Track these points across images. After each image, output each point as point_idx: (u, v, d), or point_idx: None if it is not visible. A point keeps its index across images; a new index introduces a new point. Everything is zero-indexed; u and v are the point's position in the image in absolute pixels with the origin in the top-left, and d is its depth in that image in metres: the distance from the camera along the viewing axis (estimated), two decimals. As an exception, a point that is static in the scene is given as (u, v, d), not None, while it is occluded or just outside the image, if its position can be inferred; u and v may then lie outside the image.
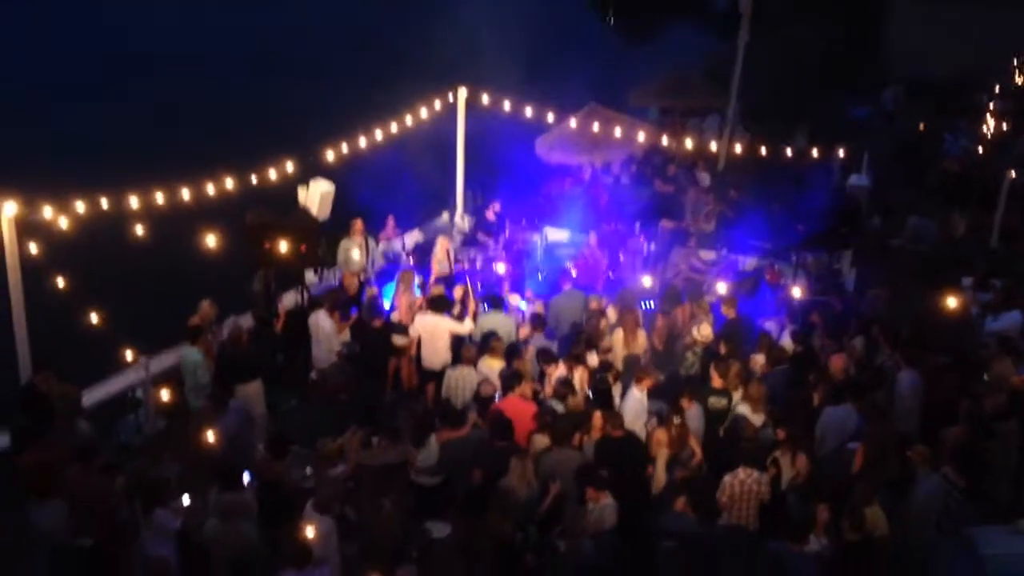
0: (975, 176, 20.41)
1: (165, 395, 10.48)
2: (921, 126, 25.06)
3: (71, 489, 9.01)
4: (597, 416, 10.23)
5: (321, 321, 12.35)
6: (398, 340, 12.46)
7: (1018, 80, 30.15)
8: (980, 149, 23.19)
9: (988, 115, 25.25)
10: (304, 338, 12.51)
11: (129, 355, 10.94)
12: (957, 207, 19.00)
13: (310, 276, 14.09)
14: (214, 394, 10.76)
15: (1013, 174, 17.65)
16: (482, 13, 31.53)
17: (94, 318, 10.19)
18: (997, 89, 27.78)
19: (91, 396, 11.22)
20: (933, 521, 9.20)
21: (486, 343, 11.80)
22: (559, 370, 11.32)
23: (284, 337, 12.85)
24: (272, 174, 12.96)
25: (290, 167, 13.15)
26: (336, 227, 14.32)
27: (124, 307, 11.09)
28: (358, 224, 14.59)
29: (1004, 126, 24.50)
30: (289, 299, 13.53)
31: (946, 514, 9.22)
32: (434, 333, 12.26)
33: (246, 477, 9.16)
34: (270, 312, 12.96)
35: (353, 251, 14.40)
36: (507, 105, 16.54)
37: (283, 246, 12.10)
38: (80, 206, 10.72)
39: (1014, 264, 16.44)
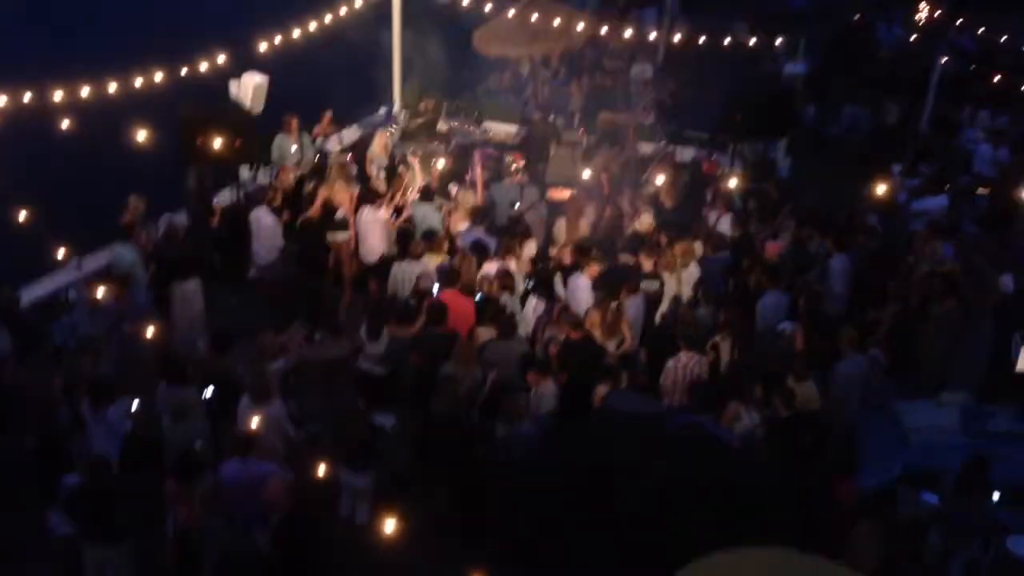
0: (907, 64, 20.60)
1: (100, 292, 10.30)
2: (857, 16, 25.06)
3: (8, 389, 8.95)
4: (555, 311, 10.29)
5: (262, 217, 12.19)
6: (337, 236, 12.44)
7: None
8: (913, 37, 23.33)
9: (922, 3, 25.33)
10: (241, 235, 12.36)
11: (60, 255, 10.68)
12: (890, 96, 19.21)
13: (244, 172, 13.83)
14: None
15: (944, 61, 17.83)
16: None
17: (21, 217, 9.87)
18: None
19: (22, 297, 10.98)
20: (854, 398, 9.59)
21: (427, 239, 11.81)
22: (496, 263, 11.37)
23: (221, 234, 12.68)
24: (203, 66, 12.55)
25: (221, 59, 12.73)
26: (270, 122, 14.01)
27: (53, 205, 10.75)
28: (293, 121, 14.29)
29: (936, 14, 24.62)
30: (224, 196, 13.29)
31: (869, 390, 9.62)
32: (368, 226, 12.23)
33: None
34: (205, 209, 12.74)
35: (288, 147, 14.14)
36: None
37: (217, 141, 11.83)
38: (1, 99, 10.31)
39: (943, 150, 16.80)
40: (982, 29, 22.47)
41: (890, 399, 9.50)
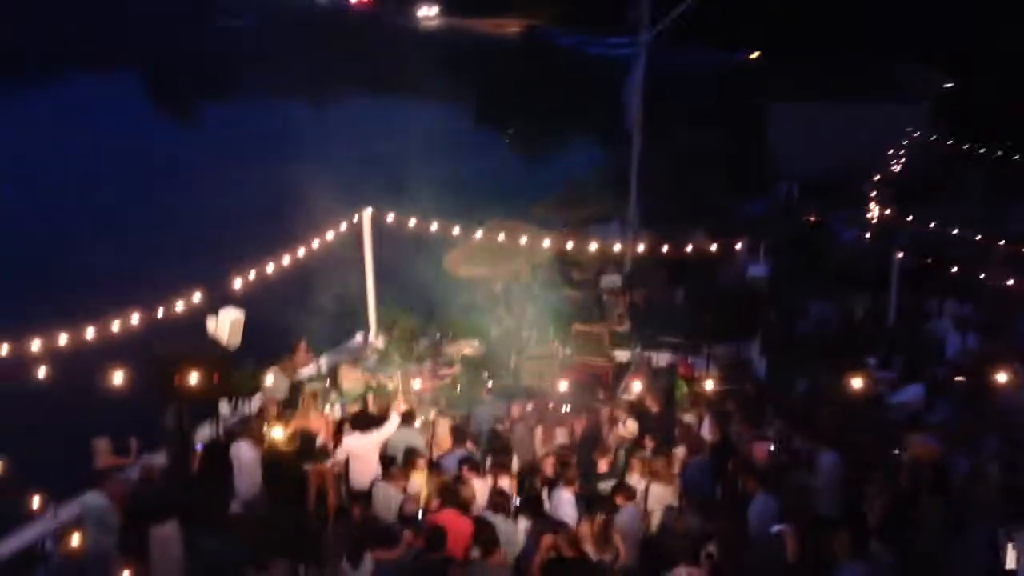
0: (866, 260, 21.34)
1: (75, 540, 9.96)
2: (812, 218, 26.21)
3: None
4: (546, 537, 9.90)
5: (243, 451, 12.02)
6: (318, 465, 12.26)
7: (895, 167, 31.85)
8: (868, 235, 24.30)
9: (872, 203, 26.60)
10: (223, 471, 12.13)
11: (36, 504, 10.44)
12: (854, 291, 19.76)
13: (224, 407, 13.76)
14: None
15: (901, 255, 18.46)
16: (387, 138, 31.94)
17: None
18: (878, 178, 29.32)
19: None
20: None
21: (407, 459, 11.66)
22: (487, 480, 11.16)
23: (201, 472, 12.43)
24: (179, 306, 12.77)
25: (197, 297, 12.98)
26: (253, 355, 14.14)
27: (30, 454, 10.63)
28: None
29: (888, 211, 25.80)
30: (204, 432, 13.16)
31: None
32: (363, 452, 12.04)
33: None
34: (185, 447, 12.54)
35: (269, 377, 14.21)
36: (412, 223, 16.81)
37: (194, 378, 11.83)
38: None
39: (911, 341, 17.10)
40: (933, 223, 23.42)
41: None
